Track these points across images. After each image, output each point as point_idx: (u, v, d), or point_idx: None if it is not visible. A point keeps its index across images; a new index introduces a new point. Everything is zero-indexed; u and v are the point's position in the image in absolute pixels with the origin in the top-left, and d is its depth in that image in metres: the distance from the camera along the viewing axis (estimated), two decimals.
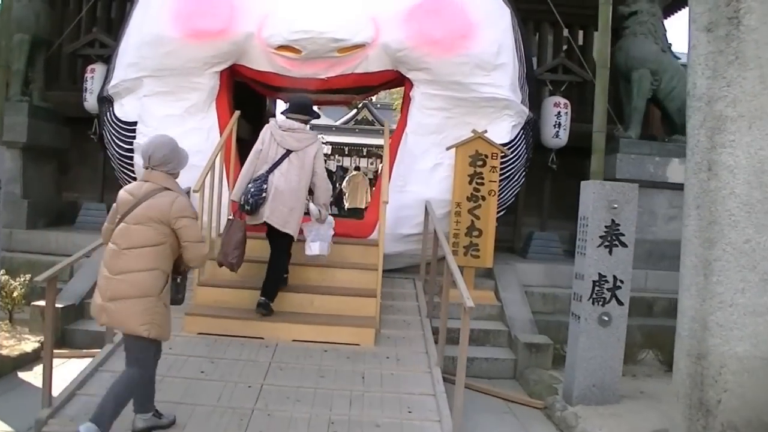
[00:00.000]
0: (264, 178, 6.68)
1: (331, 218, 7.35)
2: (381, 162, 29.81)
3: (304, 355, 6.26)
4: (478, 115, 8.34)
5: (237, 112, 8.26)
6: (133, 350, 4.63)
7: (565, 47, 10.97)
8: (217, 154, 7.56)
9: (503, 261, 9.13)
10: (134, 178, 8.52)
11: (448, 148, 8.23)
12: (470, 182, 8.23)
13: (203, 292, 7.06)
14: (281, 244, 6.85)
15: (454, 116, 8.33)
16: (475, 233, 8.25)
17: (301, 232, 6.99)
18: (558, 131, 9.65)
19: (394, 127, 8.91)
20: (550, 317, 8.51)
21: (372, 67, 8.33)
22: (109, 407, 4.45)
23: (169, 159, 4.70)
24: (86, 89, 10.02)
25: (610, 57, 10.66)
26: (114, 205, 4.75)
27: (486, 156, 8.22)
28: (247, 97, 9.54)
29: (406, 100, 8.53)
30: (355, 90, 8.85)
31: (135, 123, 8.51)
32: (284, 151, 6.78)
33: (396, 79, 8.65)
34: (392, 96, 25.40)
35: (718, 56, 4.55)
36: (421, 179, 8.25)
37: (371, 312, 6.87)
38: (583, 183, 6.55)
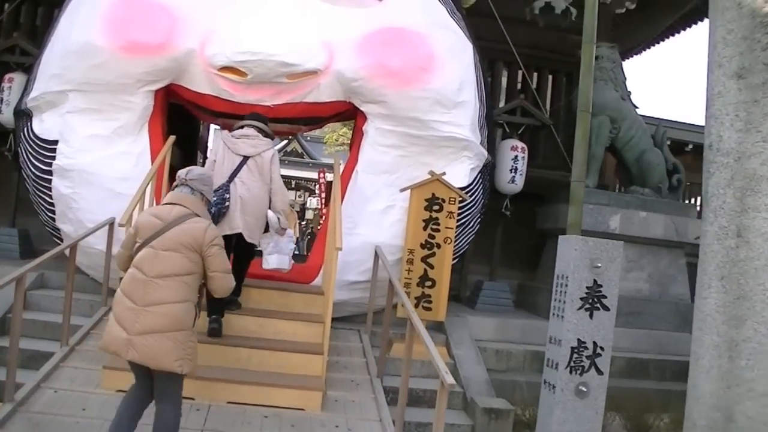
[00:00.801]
0: (225, 188, 6.07)
1: (290, 231, 6.72)
2: (310, 195, 29.06)
3: (242, 421, 5.30)
4: (435, 156, 7.60)
5: (172, 137, 7.32)
6: (167, 387, 4.26)
7: (519, 88, 10.34)
8: (148, 183, 6.59)
9: (453, 312, 8.29)
10: (51, 204, 7.49)
11: (402, 190, 7.44)
12: (425, 228, 7.45)
13: None
14: (245, 251, 6.34)
15: (409, 155, 7.56)
16: (428, 283, 7.44)
17: None
18: (514, 176, 8.93)
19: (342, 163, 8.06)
20: (504, 376, 7.74)
21: (323, 97, 7.51)
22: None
23: (206, 180, 4.62)
24: (2, 100, 8.81)
25: (567, 104, 10.18)
26: (130, 229, 4.52)
27: (443, 200, 7.45)
28: (179, 121, 8.52)
29: (358, 135, 7.70)
30: (303, 120, 7.96)
31: (55, 142, 7.41)
32: (240, 159, 6.26)
33: (347, 111, 7.82)
34: (324, 129, 24.56)
35: (752, 107, 3.89)
36: (372, 222, 7.43)
37: (317, 371, 5.95)
38: (562, 238, 5.84)
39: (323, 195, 19.29)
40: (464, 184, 7.70)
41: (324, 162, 25.70)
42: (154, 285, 4.14)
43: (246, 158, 6.24)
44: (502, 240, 9.51)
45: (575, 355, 5.53)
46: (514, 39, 8.91)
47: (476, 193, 7.92)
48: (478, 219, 8.22)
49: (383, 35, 7.36)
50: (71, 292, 6.28)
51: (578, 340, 5.52)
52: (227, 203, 6.00)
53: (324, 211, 7.66)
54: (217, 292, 4.46)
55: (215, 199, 5.86)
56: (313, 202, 27.82)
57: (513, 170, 8.94)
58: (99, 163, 7.20)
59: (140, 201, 6.37)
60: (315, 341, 6.29)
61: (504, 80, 10.62)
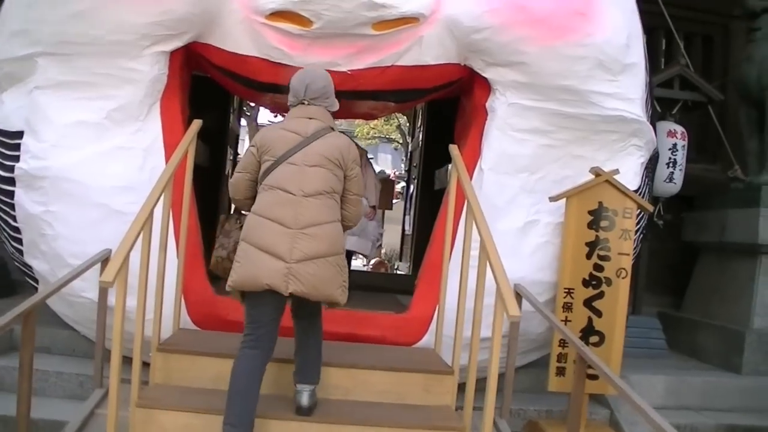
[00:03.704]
0: None
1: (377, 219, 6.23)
2: None
3: None
4: (593, 145, 4.65)
5: (197, 122, 4.34)
6: (315, 322, 3.62)
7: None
8: (159, 196, 3.63)
9: None
10: (16, 228, 4.61)
11: (552, 199, 4.46)
12: (589, 255, 4.47)
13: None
14: None
15: (557, 145, 4.59)
16: (594, 338, 4.48)
17: None
18: (673, 172, 5.90)
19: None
20: None
21: (427, 58, 4.51)
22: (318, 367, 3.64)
23: (328, 92, 3.71)
24: None
25: (731, 70, 7.13)
26: (252, 148, 3.61)
27: (615, 212, 4.49)
28: (199, 102, 5.48)
29: (478, 116, 4.66)
30: (395, 94, 4.88)
31: (19, 134, 4.44)
32: None
33: (460, 80, 4.78)
34: (353, 122, 21.25)
35: None
36: (506, 246, 4.24)
37: None
38: None
39: None
40: (635, 186, 4.74)
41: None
42: (306, 204, 3.41)
43: None
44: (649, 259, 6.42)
45: None
46: None
47: (644, 199, 4.92)
48: (641, 235, 5.23)
49: None
50: (27, 397, 3.27)
51: None
52: None
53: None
54: (351, 220, 3.68)
55: None
56: None
57: (671, 164, 5.87)
58: (85, 165, 4.28)
59: (146, 224, 3.43)
60: None
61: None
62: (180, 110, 4.56)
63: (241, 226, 3.58)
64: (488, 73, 4.52)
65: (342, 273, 3.48)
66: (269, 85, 4.62)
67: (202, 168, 5.90)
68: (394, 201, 13.16)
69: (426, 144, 8.47)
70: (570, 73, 4.40)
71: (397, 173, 19.09)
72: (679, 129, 5.98)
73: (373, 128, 21.03)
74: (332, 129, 3.66)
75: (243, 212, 3.79)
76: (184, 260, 4.18)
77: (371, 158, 27.06)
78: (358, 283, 4.08)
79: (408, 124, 16.43)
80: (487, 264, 3.80)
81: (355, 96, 4.67)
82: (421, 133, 8.83)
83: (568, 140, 4.58)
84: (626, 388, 3.26)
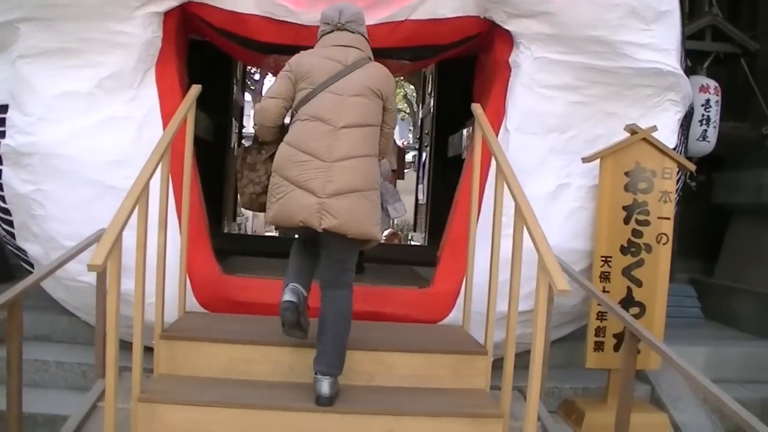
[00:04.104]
0: None
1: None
2: None
3: None
4: (626, 101, 4.27)
5: (196, 87, 3.96)
6: (348, 266, 3.32)
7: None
8: (155, 167, 3.27)
9: None
10: (6, 210, 4.27)
11: (585, 160, 4.07)
12: (627, 220, 4.10)
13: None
14: None
15: (588, 101, 4.20)
16: (635, 310, 4.11)
17: None
18: (706, 130, 5.50)
19: None
20: None
21: (443, 11, 4.14)
22: (340, 356, 3.23)
23: (362, 19, 3.51)
24: None
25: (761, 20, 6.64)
26: (287, 73, 3.37)
27: (654, 173, 4.10)
28: (203, 71, 5.09)
29: (501, 73, 4.28)
30: (410, 51, 4.48)
31: (4, 107, 4.09)
32: None
33: (479, 35, 4.38)
34: None
35: None
36: (536, 212, 3.90)
37: None
38: None
39: None
40: (672, 145, 4.34)
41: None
42: (342, 136, 3.21)
43: None
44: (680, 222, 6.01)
45: None
46: None
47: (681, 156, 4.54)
48: (678, 197, 4.85)
49: None
50: (18, 396, 2.93)
51: None
52: None
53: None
54: (383, 152, 3.53)
55: None
56: None
57: (704, 121, 5.48)
58: (76, 139, 3.93)
59: (140, 199, 3.07)
60: None
61: None
62: (177, 77, 4.19)
63: (268, 158, 3.47)
64: (511, 26, 4.13)
65: (378, 210, 3.33)
66: (273, 46, 4.26)
67: (205, 142, 5.56)
68: (405, 171, 12.88)
69: (437, 110, 8.11)
70: (600, 22, 4.02)
71: (405, 143, 18.68)
72: (713, 83, 5.54)
73: None
74: (370, 59, 3.45)
75: (263, 142, 3.55)
76: (188, 237, 3.83)
77: None
78: (373, 255, 3.80)
79: (415, 94, 16.00)
80: (510, 228, 3.50)
81: None
82: (432, 99, 8.45)
83: (599, 96, 4.19)
84: (690, 369, 2.93)
